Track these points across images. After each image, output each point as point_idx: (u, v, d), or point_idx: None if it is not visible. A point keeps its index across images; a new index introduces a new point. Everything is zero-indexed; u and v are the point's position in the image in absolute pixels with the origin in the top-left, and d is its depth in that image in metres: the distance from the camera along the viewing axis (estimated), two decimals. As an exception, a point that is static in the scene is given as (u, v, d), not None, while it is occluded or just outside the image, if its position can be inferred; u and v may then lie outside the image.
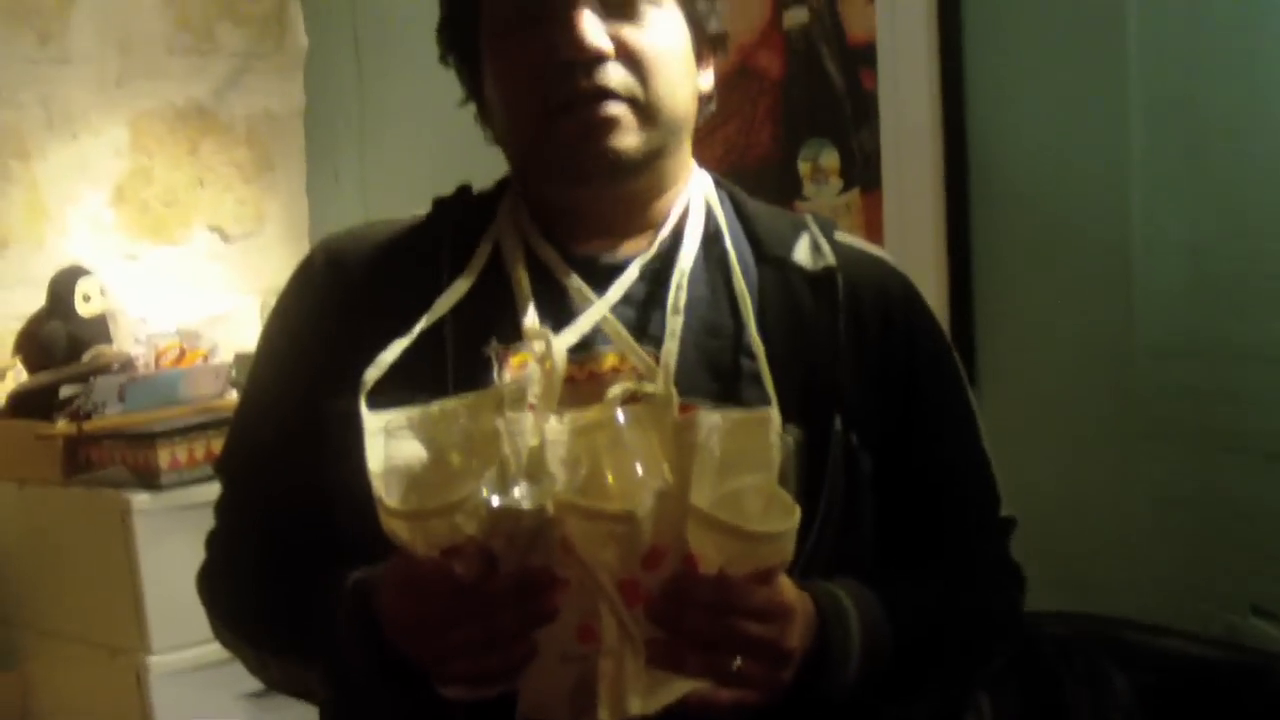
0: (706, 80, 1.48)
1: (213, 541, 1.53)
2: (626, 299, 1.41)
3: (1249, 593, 2.09)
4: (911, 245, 2.47)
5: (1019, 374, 2.37)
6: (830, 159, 2.60)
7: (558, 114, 1.36)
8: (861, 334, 1.43)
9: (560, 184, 1.42)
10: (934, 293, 2.42)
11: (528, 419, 1.24)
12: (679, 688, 1.22)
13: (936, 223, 2.44)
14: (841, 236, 1.51)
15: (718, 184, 1.53)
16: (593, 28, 1.35)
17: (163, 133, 3.57)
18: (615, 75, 1.36)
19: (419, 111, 3.18)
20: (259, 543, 1.45)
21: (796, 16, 2.62)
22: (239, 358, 3.23)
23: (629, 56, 1.37)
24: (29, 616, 3.15)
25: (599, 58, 1.35)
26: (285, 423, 1.43)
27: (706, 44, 1.47)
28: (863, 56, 2.52)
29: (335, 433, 1.34)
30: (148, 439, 2.88)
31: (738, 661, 1.21)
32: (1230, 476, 2.11)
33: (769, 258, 1.44)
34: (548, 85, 1.36)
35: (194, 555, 1.53)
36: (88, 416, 2.97)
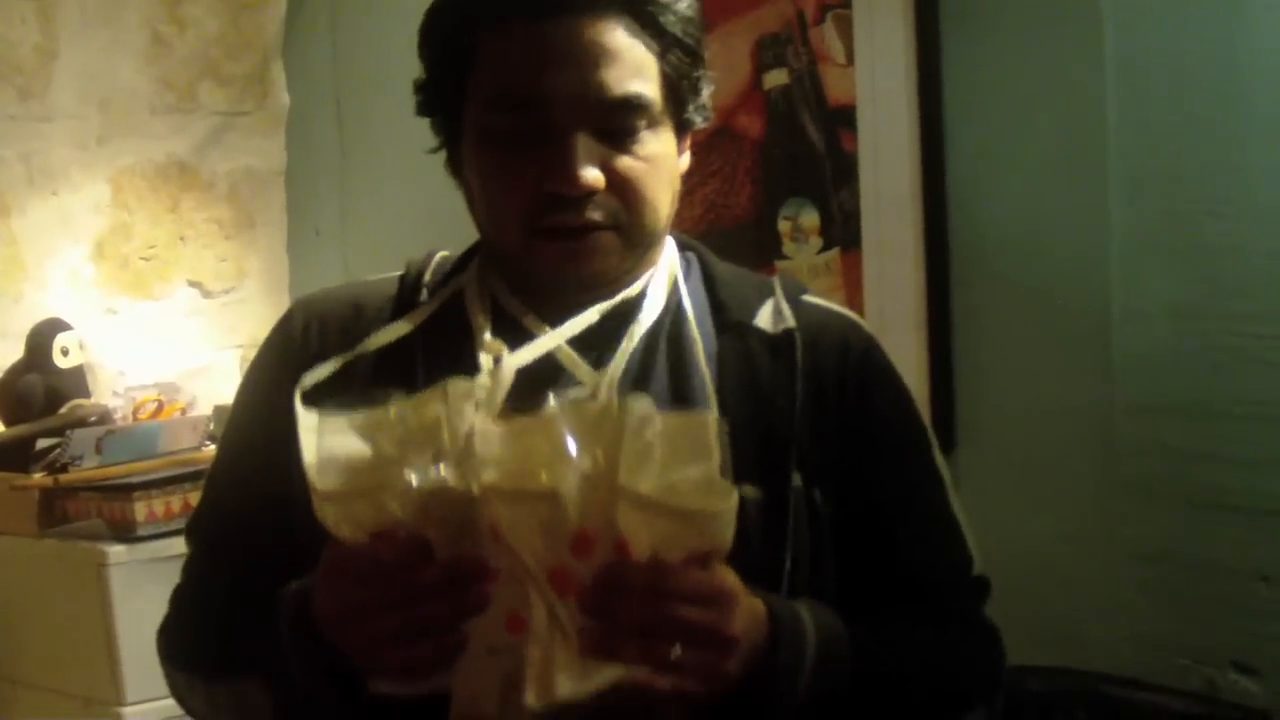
0: (685, 163, 1.47)
1: (176, 596, 1.51)
2: (585, 342, 1.41)
3: (1228, 648, 2.10)
4: (891, 305, 2.49)
5: (999, 432, 2.38)
6: (810, 219, 2.62)
7: (541, 236, 1.36)
8: (820, 394, 1.43)
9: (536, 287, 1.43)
10: (913, 352, 2.44)
11: (469, 409, 1.21)
12: (613, 672, 1.16)
13: (916, 283, 2.45)
14: (811, 298, 1.51)
15: (687, 245, 1.52)
16: (587, 164, 1.33)
17: (144, 189, 3.58)
18: (603, 207, 1.35)
19: (400, 170, 3.19)
20: (225, 594, 1.42)
21: (776, 78, 2.65)
22: (218, 410, 3.22)
23: (618, 187, 1.36)
24: (3, 667, 3.11)
25: (589, 193, 1.34)
26: (258, 483, 1.42)
27: (687, 133, 1.46)
28: (842, 118, 2.55)
29: (307, 493, 1.30)
30: (125, 491, 2.87)
31: (676, 649, 1.16)
32: (1209, 533, 2.12)
33: (730, 324, 1.44)
34: (534, 210, 1.35)
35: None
36: (64, 469, 2.96)
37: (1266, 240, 2.05)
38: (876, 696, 1.35)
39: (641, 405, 1.18)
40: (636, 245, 1.40)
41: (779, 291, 1.48)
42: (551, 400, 1.19)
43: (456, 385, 1.23)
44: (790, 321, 1.44)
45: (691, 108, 1.43)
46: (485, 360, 1.36)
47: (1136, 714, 2.04)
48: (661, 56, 1.37)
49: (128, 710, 2.81)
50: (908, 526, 1.46)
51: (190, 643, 1.46)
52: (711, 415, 1.24)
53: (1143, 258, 2.18)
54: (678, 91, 1.40)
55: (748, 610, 1.23)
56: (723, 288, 1.47)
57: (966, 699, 1.46)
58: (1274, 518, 2.06)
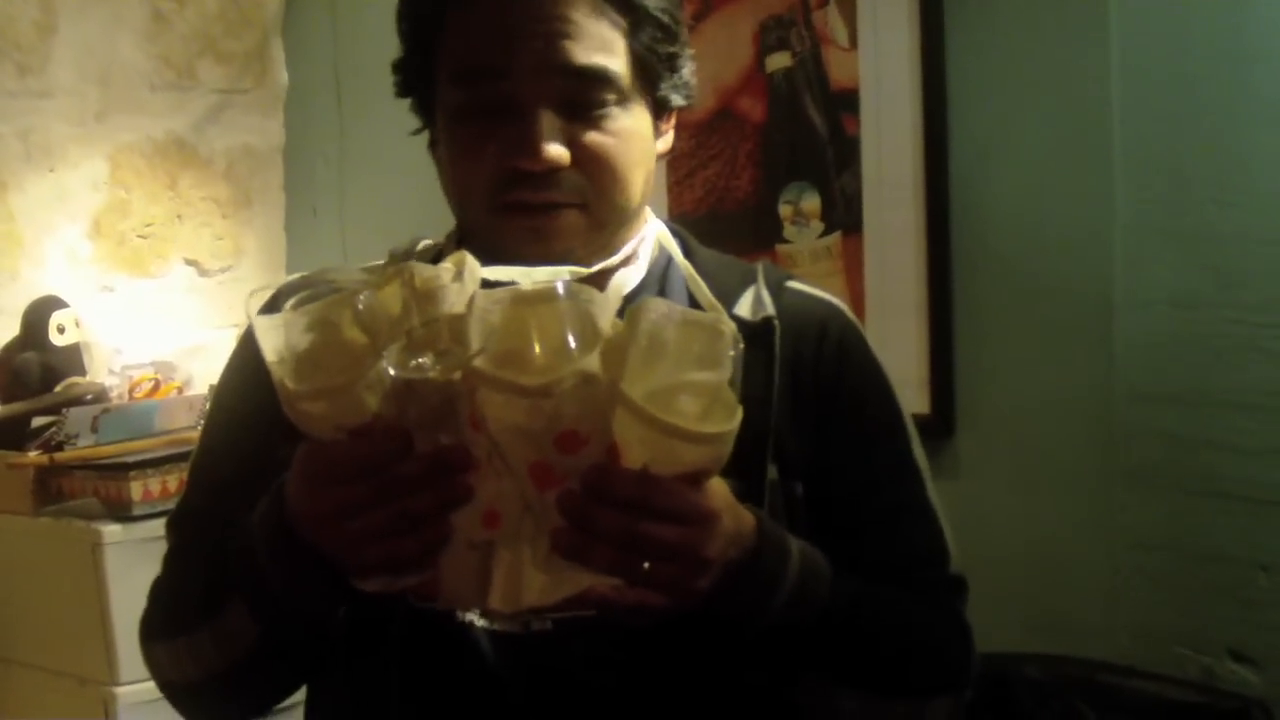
0: (665, 143, 1.45)
1: (156, 586, 1.47)
2: None
3: (1226, 637, 2.10)
4: (892, 290, 2.48)
5: (999, 418, 2.38)
6: (811, 202, 2.61)
7: (506, 211, 1.34)
8: (798, 382, 1.40)
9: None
10: (914, 337, 2.44)
11: (453, 288, 1.16)
12: (580, 580, 1.13)
13: (918, 267, 2.45)
14: (795, 284, 1.48)
15: (673, 231, 1.50)
16: (551, 138, 1.31)
17: (141, 166, 3.56)
18: (568, 184, 1.33)
19: (398, 149, 3.15)
20: (202, 575, 1.38)
21: (779, 61, 2.64)
22: (213, 390, 3.20)
23: (584, 163, 1.33)
24: (-3, 646, 3.12)
25: (554, 169, 1.32)
26: (239, 471, 1.39)
27: (668, 113, 1.44)
28: (845, 102, 2.55)
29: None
30: (120, 470, 2.86)
31: (647, 563, 1.14)
32: (1208, 521, 2.12)
33: None
34: (498, 183, 1.33)
35: (165, 587, 1.51)
36: (60, 447, 2.95)
37: (1269, 229, 2.05)
38: (846, 643, 1.33)
39: (655, 309, 1.14)
40: (604, 225, 1.37)
41: (761, 279, 1.45)
42: (559, 287, 1.15)
43: (421, 269, 1.18)
44: (770, 310, 1.41)
45: (666, 85, 1.40)
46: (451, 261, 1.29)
47: (1134, 702, 2.04)
48: (631, 33, 1.35)
49: (122, 689, 2.80)
50: (880, 516, 1.44)
51: (169, 606, 1.43)
52: (728, 325, 1.17)
53: (1145, 245, 2.17)
54: (649, 68, 1.37)
55: (733, 526, 1.20)
56: (704, 276, 1.45)
57: (935, 679, 1.43)
58: (1273, 507, 2.06)
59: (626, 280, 1.40)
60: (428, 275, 1.17)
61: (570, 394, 1.09)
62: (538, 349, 1.12)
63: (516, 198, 1.33)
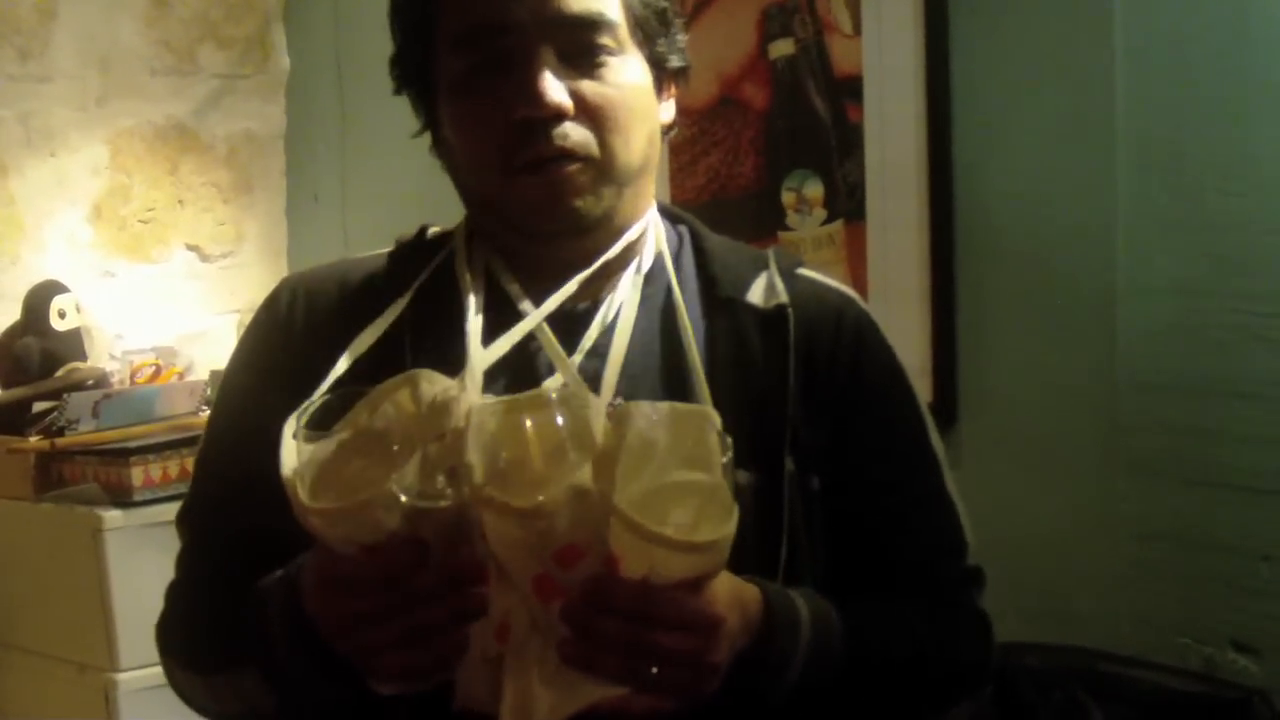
0: (667, 113, 1.45)
1: (172, 592, 1.48)
2: (568, 327, 1.39)
3: (1228, 627, 2.10)
4: (895, 278, 2.48)
5: (1001, 407, 2.37)
6: (814, 190, 2.60)
7: (519, 173, 1.34)
8: (812, 371, 1.39)
9: (521, 237, 1.40)
10: (916, 326, 2.43)
11: (462, 399, 1.18)
12: (590, 694, 1.13)
13: (921, 255, 2.45)
14: (806, 271, 1.48)
15: (679, 219, 1.50)
16: (552, 84, 1.32)
17: (142, 151, 3.56)
18: (574, 134, 1.33)
19: (400, 134, 3.14)
20: (219, 585, 1.39)
21: (782, 48, 2.64)
22: (214, 375, 3.20)
23: (588, 112, 1.34)
24: (-3, 631, 3.12)
25: (559, 115, 1.32)
26: (248, 464, 1.36)
27: (668, 78, 1.44)
28: (848, 89, 2.54)
29: None
30: (121, 456, 2.86)
31: (655, 669, 1.14)
32: (1211, 511, 2.12)
33: (721, 301, 1.41)
34: (509, 144, 1.34)
35: (165, 573, 1.49)
36: (60, 432, 2.94)
37: (1273, 217, 2.04)
38: (866, 686, 1.34)
39: (641, 412, 1.15)
40: (612, 180, 1.37)
41: (773, 265, 1.45)
42: (551, 394, 1.17)
43: (429, 379, 1.20)
44: (783, 297, 1.41)
45: (663, 44, 1.41)
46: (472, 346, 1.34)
47: (1135, 692, 2.04)
48: None
49: (122, 676, 2.80)
50: (899, 508, 1.43)
51: (187, 638, 1.43)
52: (711, 412, 1.19)
53: (1149, 234, 2.17)
54: (644, 23, 1.39)
55: (739, 622, 1.20)
56: (714, 262, 1.45)
57: (954, 690, 1.44)
58: (1276, 497, 2.06)
59: (621, 290, 1.41)
60: (439, 388, 1.19)
61: (564, 510, 1.10)
62: (534, 460, 1.13)
63: (529, 155, 1.33)
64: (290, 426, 1.21)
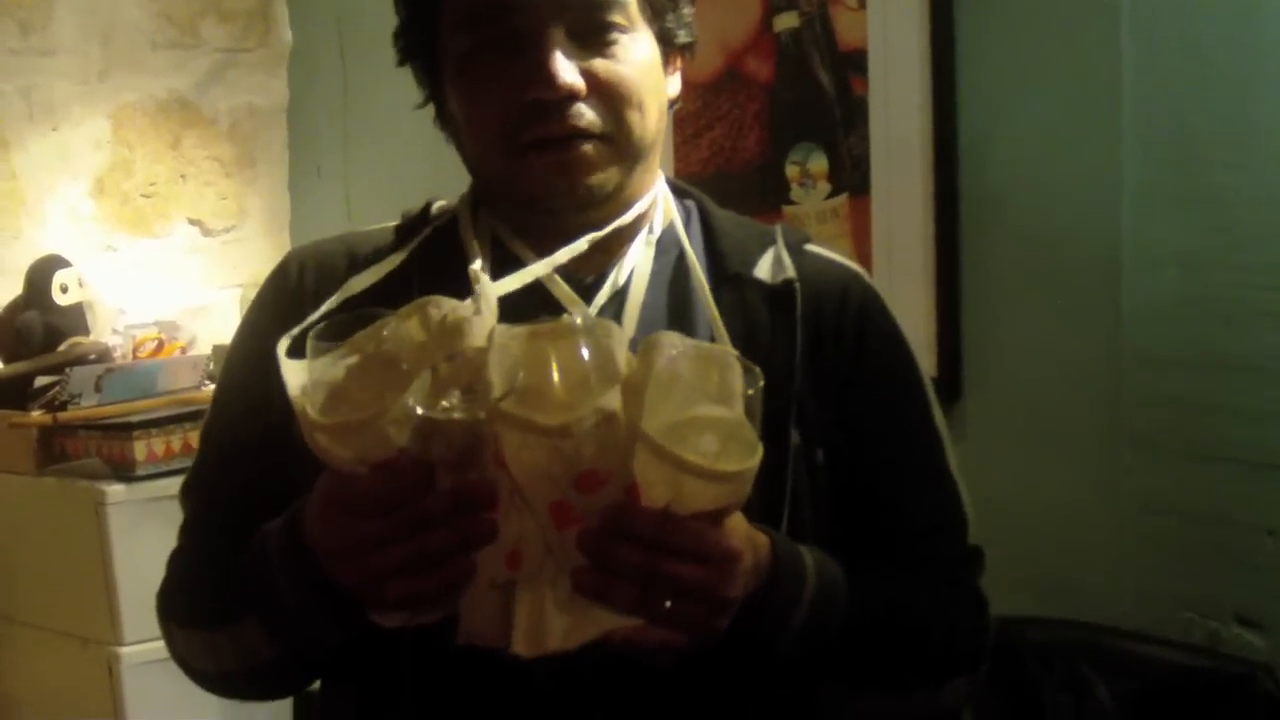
0: (674, 87, 1.45)
1: (174, 558, 1.48)
2: (580, 284, 1.39)
3: (1232, 601, 2.10)
4: (899, 252, 2.47)
5: (1006, 381, 2.37)
6: (819, 164, 2.60)
7: (528, 151, 1.33)
8: (818, 346, 1.40)
9: (529, 209, 1.39)
10: (921, 300, 2.42)
11: (475, 321, 1.16)
12: (603, 622, 1.12)
13: (925, 229, 2.44)
14: (813, 248, 1.48)
15: (687, 193, 1.50)
16: (565, 64, 1.31)
17: (144, 125, 3.56)
18: (587, 114, 1.32)
19: (402, 108, 3.13)
20: (221, 547, 1.38)
21: (787, 21, 2.62)
22: (217, 349, 3.21)
23: (600, 91, 1.33)
24: (1, 606, 3.12)
25: (571, 96, 1.31)
26: (254, 435, 1.39)
27: (675, 52, 1.43)
28: (853, 62, 2.53)
29: (302, 445, 1.26)
30: (124, 430, 2.86)
31: (669, 602, 1.12)
32: (1215, 485, 2.11)
33: (728, 276, 1.41)
34: (518, 122, 1.32)
35: (167, 547, 1.50)
36: (63, 407, 2.94)
37: (1279, 191, 2.03)
38: (864, 647, 1.33)
39: (670, 342, 1.14)
40: (625, 157, 1.36)
41: (780, 241, 1.44)
42: (576, 319, 1.15)
43: (441, 302, 1.19)
44: (790, 272, 1.41)
45: (672, 19, 1.40)
46: (476, 286, 1.33)
47: (1139, 667, 2.04)
48: None
49: (125, 650, 2.81)
50: (900, 483, 1.43)
51: (187, 596, 1.43)
52: (738, 357, 1.17)
53: (1154, 208, 2.16)
54: None
55: (752, 560, 1.20)
56: (722, 237, 1.44)
57: (951, 665, 1.43)
58: (1280, 471, 2.06)
59: (634, 254, 1.40)
60: (449, 309, 1.18)
61: (590, 433, 1.09)
62: (558, 385, 1.11)
63: (536, 134, 1.32)
64: (284, 345, 1.21)
